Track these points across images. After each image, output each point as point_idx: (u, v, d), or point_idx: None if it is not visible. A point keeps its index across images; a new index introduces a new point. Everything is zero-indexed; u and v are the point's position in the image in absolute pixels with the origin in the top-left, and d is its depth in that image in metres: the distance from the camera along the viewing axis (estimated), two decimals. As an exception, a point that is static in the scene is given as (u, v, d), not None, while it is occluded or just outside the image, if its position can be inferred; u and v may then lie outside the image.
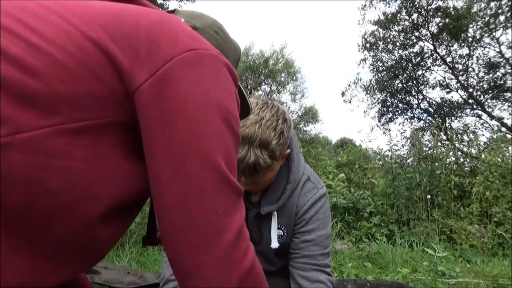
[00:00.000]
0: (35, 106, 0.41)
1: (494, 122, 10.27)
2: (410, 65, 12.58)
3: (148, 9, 0.55)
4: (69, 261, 0.47)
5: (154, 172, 0.48)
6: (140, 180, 0.49)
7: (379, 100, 13.37)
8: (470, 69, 11.87)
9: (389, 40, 12.52)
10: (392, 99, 13.31)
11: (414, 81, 12.75)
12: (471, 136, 6.02)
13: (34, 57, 0.42)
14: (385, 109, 13.40)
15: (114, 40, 0.47)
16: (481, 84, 11.81)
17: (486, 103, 11.80)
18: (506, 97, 11.57)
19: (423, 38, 12.13)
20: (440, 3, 11.13)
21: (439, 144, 5.13)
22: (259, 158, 0.97)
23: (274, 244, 1.14)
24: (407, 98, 13.12)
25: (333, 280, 1.14)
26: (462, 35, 11.26)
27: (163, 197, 0.47)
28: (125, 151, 0.48)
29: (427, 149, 4.71)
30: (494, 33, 10.86)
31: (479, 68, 11.75)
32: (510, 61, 10.92)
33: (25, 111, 0.41)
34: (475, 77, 11.92)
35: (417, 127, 12.27)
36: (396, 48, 12.59)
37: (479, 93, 11.84)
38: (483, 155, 4.65)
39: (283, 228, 1.17)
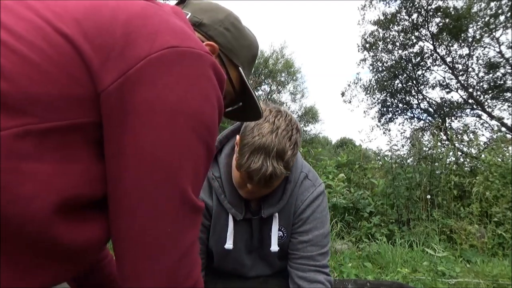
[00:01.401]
0: (2, 106, 0.39)
1: (494, 122, 10.27)
2: (410, 65, 12.57)
3: (133, 0, 0.50)
4: (45, 266, 0.45)
5: (113, 181, 0.46)
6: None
7: (379, 100, 13.35)
8: (470, 69, 11.86)
9: (388, 40, 12.51)
10: (392, 99, 13.29)
11: (414, 81, 12.74)
12: (471, 136, 6.02)
13: (2, 56, 0.40)
14: (385, 109, 13.38)
15: (87, 36, 0.43)
16: (481, 84, 11.80)
17: (486, 103, 11.79)
18: (506, 97, 11.56)
19: (423, 38, 12.12)
20: (440, 3, 11.12)
21: (439, 144, 5.12)
22: (275, 169, 0.95)
23: (274, 247, 1.13)
24: (407, 98, 13.11)
25: (332, 279, 1.15)
26: (462, 35, 11.24)
27: (120, 205, 0.46)
28: (96, 151, 0.46)
29: (427, 149, 4.71)
30: (494, 33, 10.85)
31: (479, 68, 11.74)
32: (510, 61, 10.91)
33: None
34: (475, 77, 11.92)
35: (417, 127, 12.26)
36: (396, 48, 12.58)
37: (479, 93, 11.82)
38: (483, 155, 4.65)
39: (282, 229, 1.16)
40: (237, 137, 1.05)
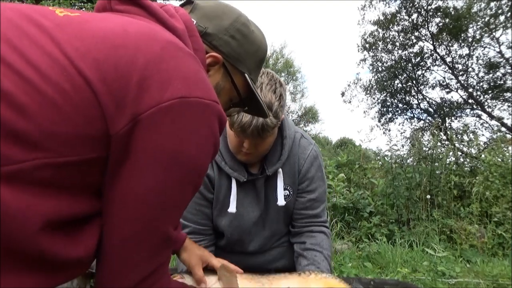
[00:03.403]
0: (22, 141, 0.42)
1: (494, 122, 10.27)
2: (410, 65, 12.57)
3: (153, 33, 0.52)
4: (38, 274, 0.47)
5: (106, 212, 0.51)
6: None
7: (379, 100, 13.35)
8: (470, 69, 11.85)
9: (388, 40, 12.51)
10: (392, 99, 13.29)
11: (414, 81, 12.74)
12: (471, 136, 6.02)
13: (26, 94, 0.42)
14: (385, 109, 13.37)
15: (105, 80, 0.46)
16: (481, 84, 11.79)
17: (486, 103, 11.79)
18: (506, 97, 11.55)
19: (423, 38, 12.11)
20: (440, 3, 11.12)
21: (439, 144, 5.12)
22: (266, 119, 1.00)
23: (281, 201, 1.19)
24: (407, 98, 13.10)
25: (330, 232, 1.27)
26: (462, 35, 11.24)
27: (110, 232, 0.51)
28: (101, 175, 0.51)
29: (427, 149, 4.71)
30: (494, 33, 10.84)
31: (479, 68, 11.73)
32: (510, 61, 10.91)
33: (12, 146, 0.41)
34: (475, 77, 11.91)
35: (417, 127, 12.26)
36: (396, 48, 12.58)
37: (479, 93, 11.82)
38: (483, 155, 4.65)
39: (288, 188, 1.21)
40: None
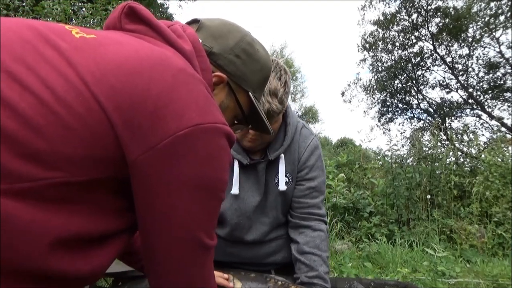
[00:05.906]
0: (37, 161, 0.44)
1: (494, 122, 10.26)
2: (410, 65, 12.57)
3: (165, 59, 0.53)
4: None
5: (144, 232, 0.55)
6: (119, 218, 0.55)
7: (379, 100, 13.34)
8: (470, 69, 11.85)
9: (388, 40, 12.50)
10: (392, 99, 13.29)
11: (414, 81, 12.74)
12: (471, 136, 6.02)
13: (42, 116, 0.44)
14: (385, 109, 13.37)
15: (120, 108, 0.48)
16: (481, 84, 11.79)
17: (486, 103, 11.78)
18: (506, 97, 11.55)
19: (423, 38, 12.11)
20: (440, 3, 11.12)
21: (439, 144, 5.13)
22: (271, 104, 1.05)
23: (282, 186, 1.20)
24: (407, 98, 13.10)
25: (327, 227, 1.27)
26: (462, 35, 11.23)
27: (151, 248, 0.56)
28: (113, 194, 0.53)
29: (427, 149, 4.71)
30: (494, 33, 10.84)
31: (479, 68, 11.72)
32: (510, 61, 10.91)
33: (27, 165, 0.43)
34: (475, 77, 11.90)
35: (417, 127, 12.26)
36: (396, 48, 12.57)
37: (479, 93, 11.82)
38: (483, 155, 4.65)
39: (288, 175, 1.22)
40: None
